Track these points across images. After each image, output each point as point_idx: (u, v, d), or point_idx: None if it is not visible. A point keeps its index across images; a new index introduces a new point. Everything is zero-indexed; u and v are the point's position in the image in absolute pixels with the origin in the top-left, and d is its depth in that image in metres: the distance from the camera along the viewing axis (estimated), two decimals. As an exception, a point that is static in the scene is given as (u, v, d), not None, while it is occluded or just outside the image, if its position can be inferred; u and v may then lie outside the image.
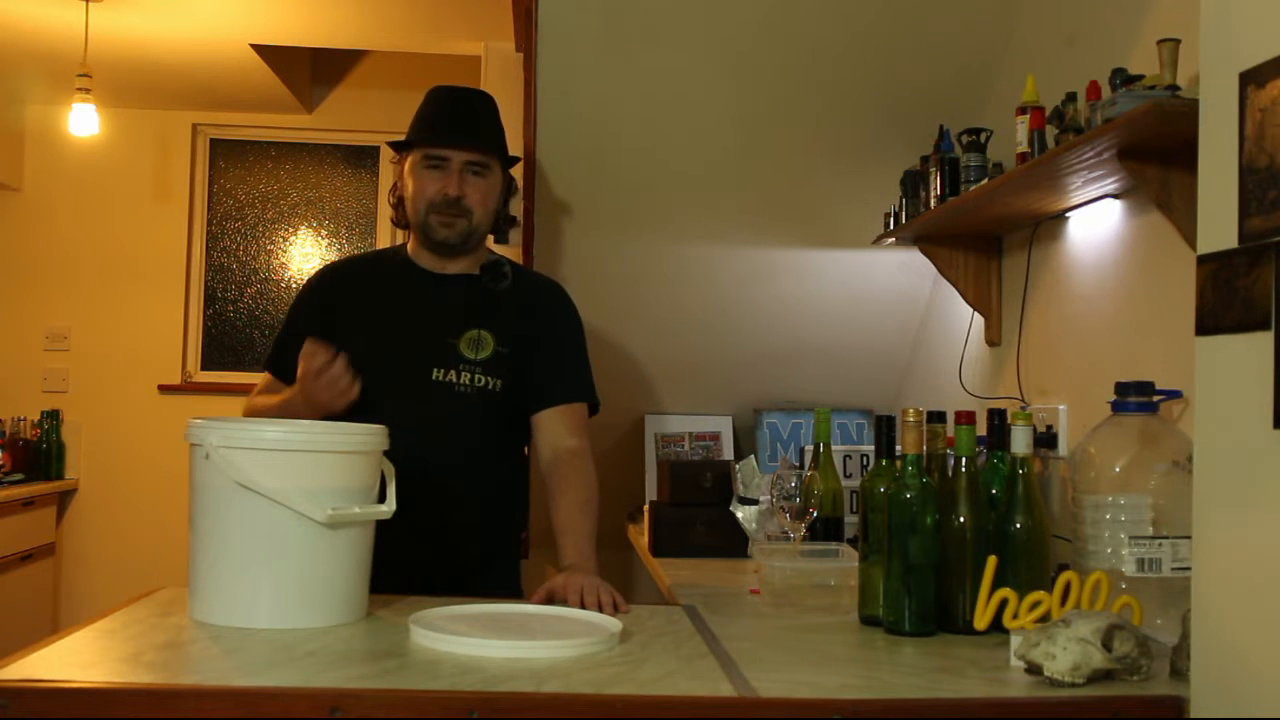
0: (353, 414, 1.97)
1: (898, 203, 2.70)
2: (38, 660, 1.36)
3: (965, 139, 2.41)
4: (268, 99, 5.01)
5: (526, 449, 2.25)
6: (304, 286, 2.30)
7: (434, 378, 2.08)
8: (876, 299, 3.18)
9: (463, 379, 2.08)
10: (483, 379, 2.09)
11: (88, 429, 5.12)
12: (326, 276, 2.28)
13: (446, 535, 2.07)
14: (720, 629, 1.70)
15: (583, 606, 1.76)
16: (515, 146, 2.39)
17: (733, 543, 2.63)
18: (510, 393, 2.11)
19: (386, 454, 1.76)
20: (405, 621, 1.56)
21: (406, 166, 2.16)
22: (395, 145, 2.19)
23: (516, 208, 2.53)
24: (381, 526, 1.85)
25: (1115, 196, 2.15)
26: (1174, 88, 1.75)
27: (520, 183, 2.74)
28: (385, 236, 5.27)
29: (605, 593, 1.81)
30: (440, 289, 2.16)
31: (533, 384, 2.14)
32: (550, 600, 1.81)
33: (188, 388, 5.19)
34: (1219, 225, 1.26)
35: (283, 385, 2.13)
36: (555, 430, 2.12)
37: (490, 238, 2.25)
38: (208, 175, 5.33)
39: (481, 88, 2.79)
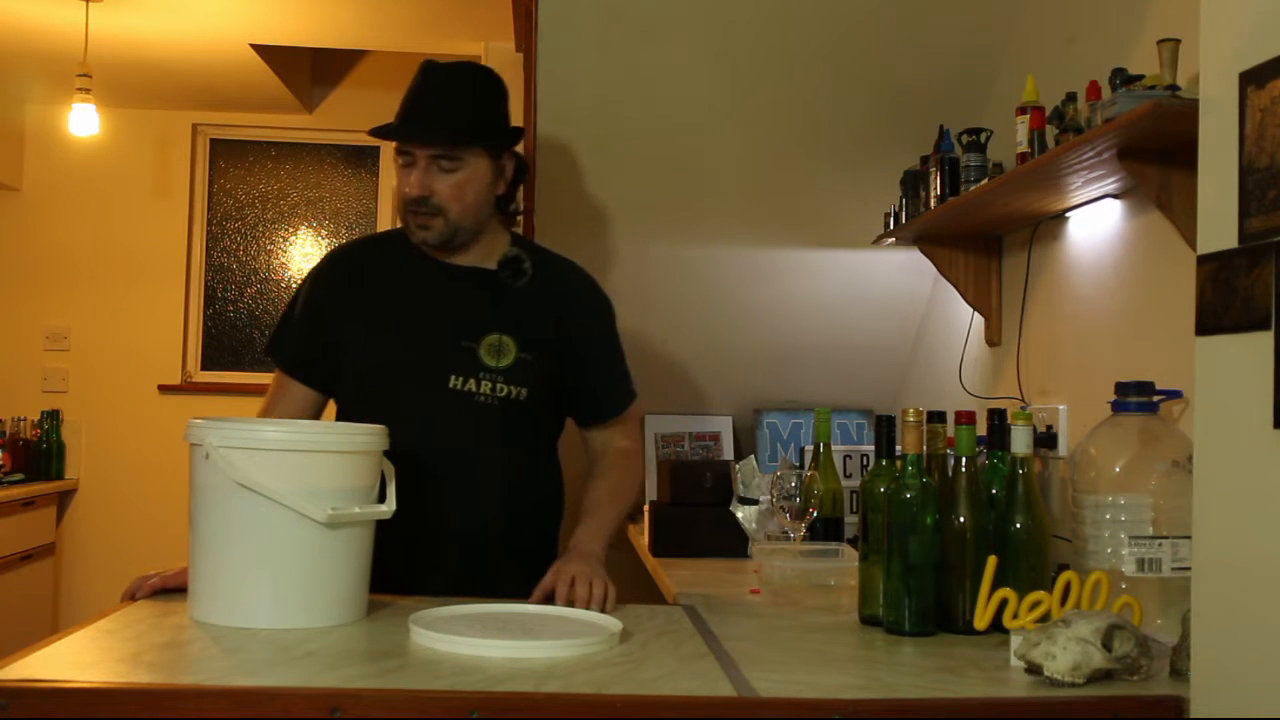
0: (364, 420, 1.90)
1: (898, 203, 2.71)
2: (38, 660, 1.36)
3: (965, 139, 2.41)
4: (268, 99, 5.01)
5: (558, 440, 2.15)
6: (313, 276, 2.11)
7: (452, 385, 1.97)
8: (876, 299, 3.18)
9: (483, 388, 1.97)
10: (505, 388, 1.98)
11: (88, 429, 5.12)
12: (336, 268, 2.11)
13: (472, 542, 1.99)
14: (720, 629, 1.70)
15: (570, 604, 1.74)
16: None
17: (733, 543, 2.63)
18: (536, 397, 2.02)
19: (402, 464, 1.74)
20: (405, 621, 1.56)
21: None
22: (378, 133, 1.99)
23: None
24: (403, 534, 1.81)
25: (1115, 196, 2.15)
26: (1174, 88, 1.75)
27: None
28: (385, 236, 5.26)
29: (598, 583, 1.77)
30: (455, 285, 2.03)
31: (578, 399, 2.09)
32: (547, 596, 1.78)
33: (188, 388, 5.19)
34: (1219, 225, 1.26)
35: (292, 384, 2.06)
36: (608, 437, 2.12)
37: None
38: (208, 175, 5.33)
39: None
